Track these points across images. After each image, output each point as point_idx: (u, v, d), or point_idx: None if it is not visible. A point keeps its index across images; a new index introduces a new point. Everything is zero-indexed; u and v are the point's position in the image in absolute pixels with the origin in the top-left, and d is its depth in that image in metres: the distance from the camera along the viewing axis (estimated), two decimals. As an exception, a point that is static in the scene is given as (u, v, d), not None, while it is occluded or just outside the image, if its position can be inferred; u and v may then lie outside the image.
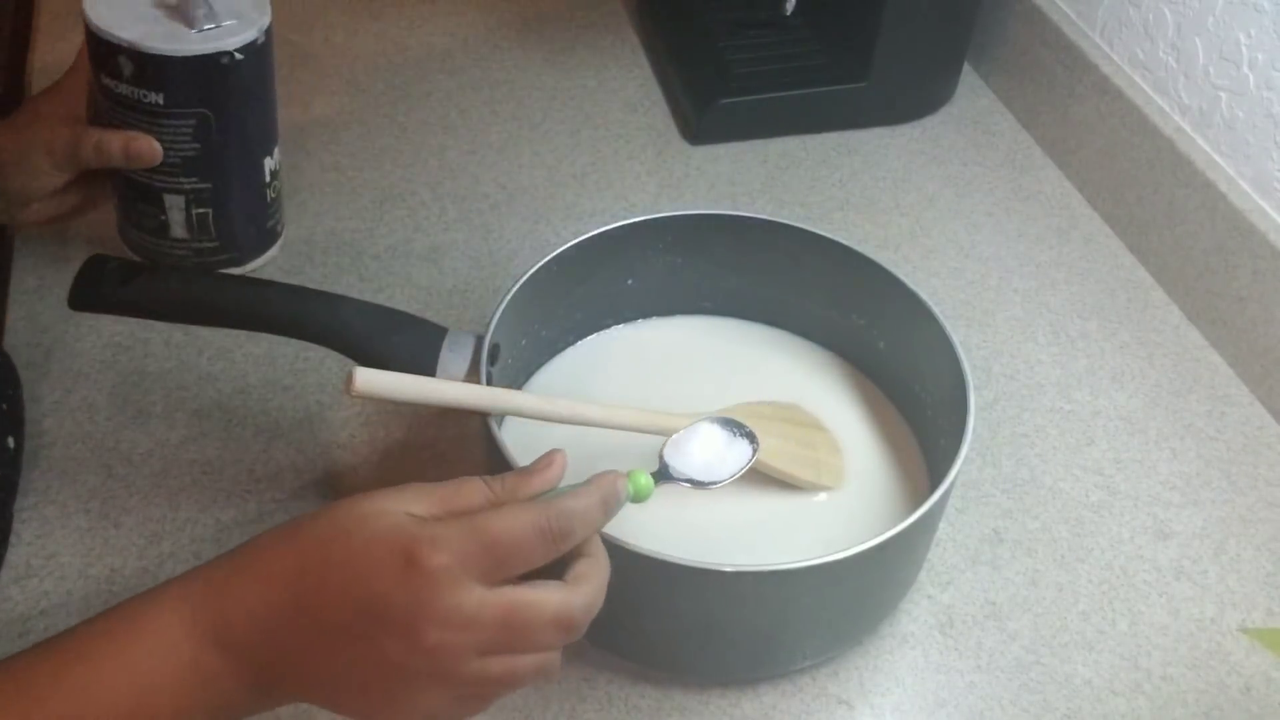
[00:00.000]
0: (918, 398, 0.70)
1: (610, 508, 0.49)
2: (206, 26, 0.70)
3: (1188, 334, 0.83)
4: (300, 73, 1.00)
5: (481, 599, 0.43)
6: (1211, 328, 0.82)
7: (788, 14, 0.96)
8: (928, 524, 0.60)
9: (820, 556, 0.54)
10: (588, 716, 0.59)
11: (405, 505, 0.46)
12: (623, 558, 0.54)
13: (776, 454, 0.65)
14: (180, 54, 0.69)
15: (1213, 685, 0.62)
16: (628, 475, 0.51)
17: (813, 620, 0.59)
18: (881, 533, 0.55)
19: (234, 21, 0.71)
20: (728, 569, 0.54)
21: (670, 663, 0.61)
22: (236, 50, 0.70)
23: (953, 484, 0.58)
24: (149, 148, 0.70)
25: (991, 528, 0.69)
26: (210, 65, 0.70)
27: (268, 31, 0.72)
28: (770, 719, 0.59)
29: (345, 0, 1.09)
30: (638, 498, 0.51)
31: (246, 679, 0.45)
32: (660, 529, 0.63)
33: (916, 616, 0.64)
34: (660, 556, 0.53)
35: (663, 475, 0.56)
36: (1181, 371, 0.80)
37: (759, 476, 0.65)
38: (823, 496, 0.67)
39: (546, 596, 0.45)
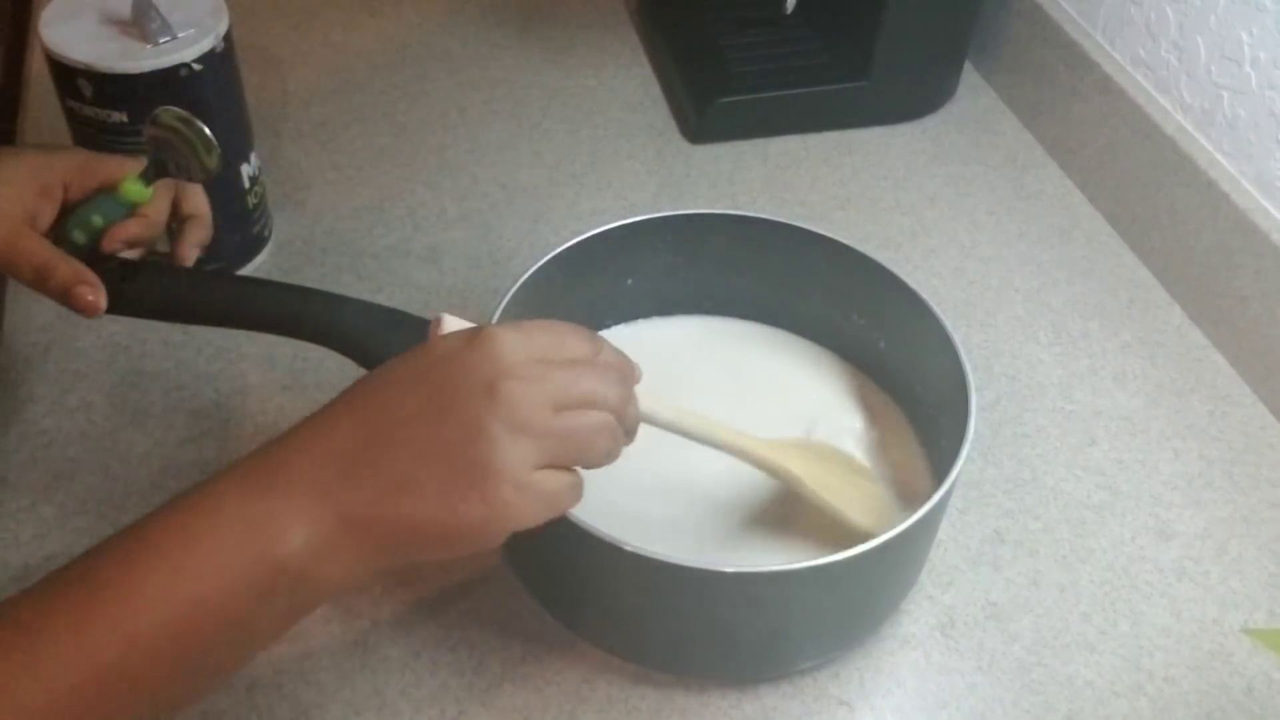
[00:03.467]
0: (919, 397, 0.70)
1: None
2: (162, 40, 0.69)
3: (1190, 334, 0.82)
4: (299, 71, 1.00)
5: (545, 361, 0.48)
6: (1213, 327, 0.82)
7: (788, 13, 0.95)
8: (929, 525, 0.60)
9: (820, 557, 0.53)
10: (588, 717, 0.59)
11: None
12: (623, 558, 0.54)
13: (836, 494, 0.63)
14: (138, 71, 0.68)
15: (1215, 686, 0.62)
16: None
17: (813, 621, 0.59)
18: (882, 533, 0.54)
19: (191, 31, 0.70)
20: (728, 569, 0.53)
21: (670, 663, 0.60)
22: (194, 61, 0.70)
23: (954, 484, 0.58)
24: (89, 303, 0.58)
25: (993, 528, 0.69)
26: (170, 79, 0.69)
27: (226, 38, 0.72)
28: (771, 720, 0.59)
29: (345, -1, 1.09)
30: None
31: (318, 516, 0.45)
32: (660, 530, 0.64)
33: (918, 617, 0.64)
34: (660, 557, 0.53)
35: None
36: (1183, 371, 0.80)
37: (759, 476, 0.65)
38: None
39: (598, 354, 0.51)
